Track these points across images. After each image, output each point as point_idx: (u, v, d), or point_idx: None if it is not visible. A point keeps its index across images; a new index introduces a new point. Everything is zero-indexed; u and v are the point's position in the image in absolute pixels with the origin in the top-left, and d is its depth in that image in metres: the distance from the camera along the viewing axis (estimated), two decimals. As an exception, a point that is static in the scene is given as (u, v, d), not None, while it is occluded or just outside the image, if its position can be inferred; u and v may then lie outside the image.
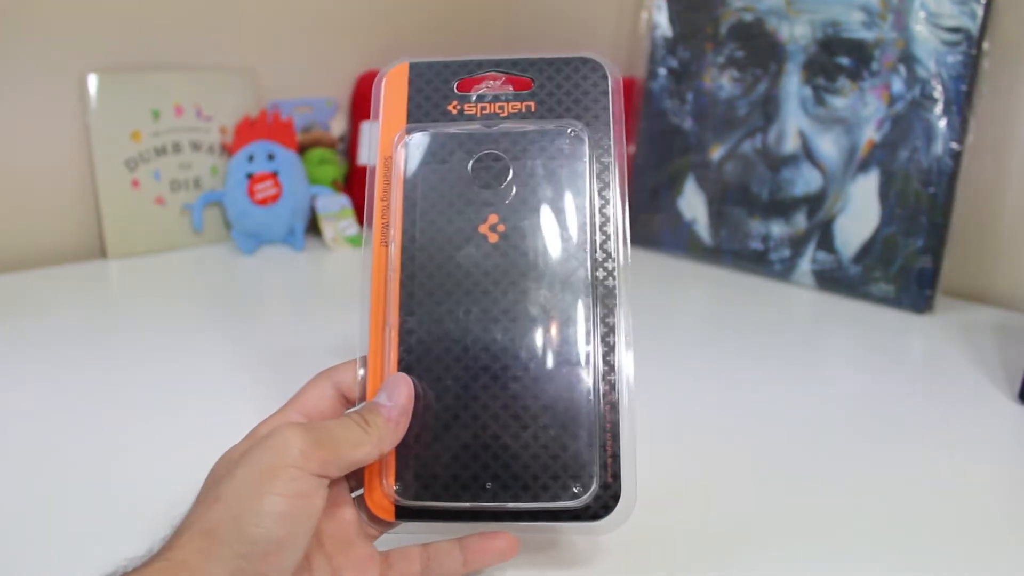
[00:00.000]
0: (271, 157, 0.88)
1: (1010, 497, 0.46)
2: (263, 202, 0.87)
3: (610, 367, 0.37)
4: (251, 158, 0.87)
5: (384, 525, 0.36)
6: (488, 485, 0.35)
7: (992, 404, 0.57)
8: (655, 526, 0.42)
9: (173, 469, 0.45)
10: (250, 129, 0.88)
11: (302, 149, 0.94)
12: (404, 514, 0.36)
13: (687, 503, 0.44)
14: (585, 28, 1.05)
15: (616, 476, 0.36)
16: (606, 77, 0.39)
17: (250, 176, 0.87)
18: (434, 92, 0.39)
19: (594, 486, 0.35)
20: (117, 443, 0.49)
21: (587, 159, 0.38)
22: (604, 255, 0.37)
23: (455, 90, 0.39)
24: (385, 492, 0.35)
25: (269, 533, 0.29)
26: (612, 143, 0.38)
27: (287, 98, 0.96)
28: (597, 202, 0.38)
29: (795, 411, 0.55)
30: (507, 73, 0.39)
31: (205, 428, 0.51)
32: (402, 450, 0.35)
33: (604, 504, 0.35)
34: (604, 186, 0.38)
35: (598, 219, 0.38)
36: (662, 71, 0.90)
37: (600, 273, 0.37)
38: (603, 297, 0.37)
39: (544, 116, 0.38)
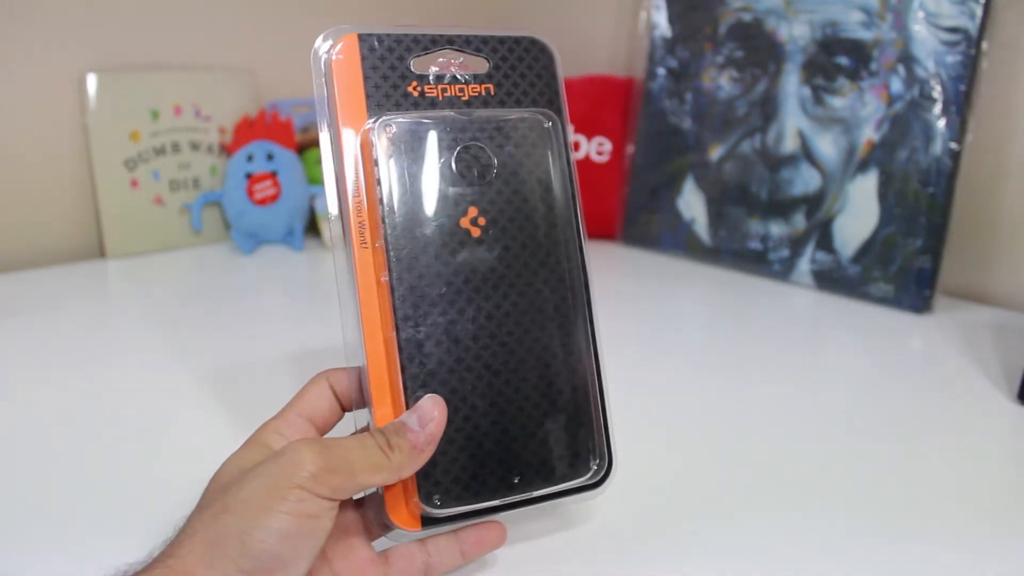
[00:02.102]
0: (270, 157, 0.88)
1: (1009, 497, 0.46)
2: (262, 202, 0.87)
3: (595, 344, 0.38)
4: (250, 158, 0.87)
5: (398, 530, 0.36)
6: (517, 479, 0.36)
7: (991, 404, 0.57)
8: (655, 523, 0.42)
9: (172, 469, 0.46)
10: (249, 129, 0.88)
11: (301, 149, 0.94)
12: (431, 522, 0.35)
13: (686, 501, 0.44)
14: (584, 28, 1.06)
15: (608, 446, 0.38)
16: (553, 59, 0.39)
17: (249, 176, 0.87)
18: (390, 71, 0.37)
19: (603, 460, 0.37)
20: (116, 443, 0.49)
21: (558, 148, 0.38)
22: (578, 240, 0.38)
23: (412, 69, 0.37)
24: (411, 507, 0.35)
25: (274, 550, 0.29)
26: (564, 127, 0.39)
27: (286, 98, 0.96)
28: (568, 189, 0.38)
29: (794, 410, 0.55)
30: (462, 51, 0.38)
31: (204, 429, 0.51)
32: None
33: (603, 474, 0.38)
34: (570, 172, 0.38)
35: (571, 205, 0.38)
36: (661, 71, 0.90)
37: (577, 257, 0.38)
38: (583, 280, 0.38)
39: (503, 99, 0.38)
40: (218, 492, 0.31)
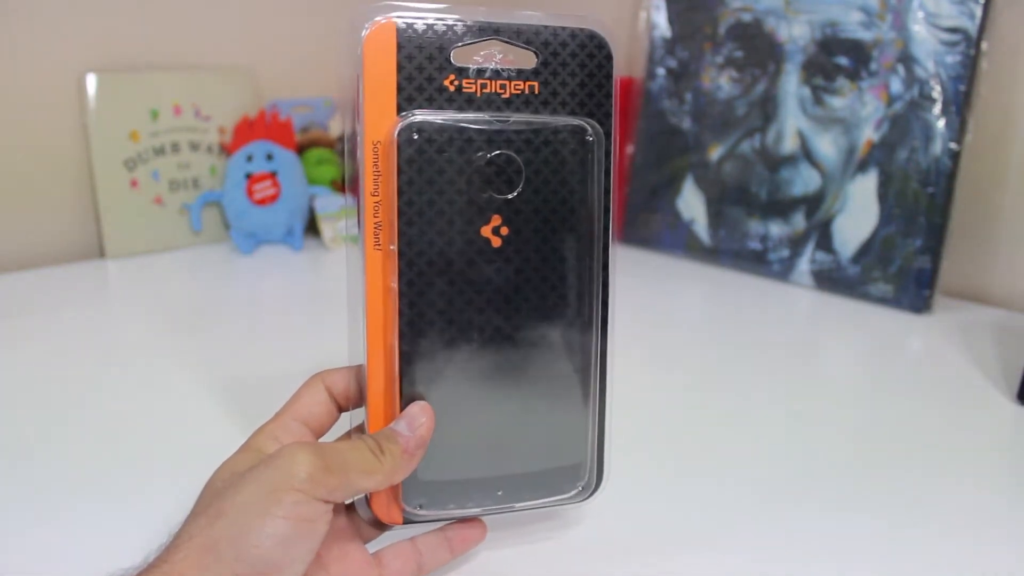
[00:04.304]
0: (270, 157, 0.88)
1: (1009, 497, 0.46)
2: (262, 202, 0.87)
3: (603, 362, 0.37)
4: (250, 158, 0.87)
5: (386, 528, 0.37)
6: (500, 492, 0.36)
7: (990, 404, 0.57)
8: (653, 525, 0.42)
9: (170, 471, 0.45)
10: (249, 129, 0.88)
11: (301, 149, 0.94)
12: (412, 520, 0.36)
13: (685, 501, 0.44)
14: (584, 28, 1.05)
15: (601, 460, 0.38)
16: (610, 58, 0.36)
17: (249, 176, 0.87)
18: (427, 61, 0.34)
19: (591, 477, 0.38)
20: (115, 443, 0.49)
21: (596, 160, 0.36)
22: (605, 256, 0.37)
23: (452, 60, 0.34)
24: (397, 506, 0.35)
25: (269, 555, 0.29)
26: (612, 133, 0.36)
27: (286, 98, 0.96)
28: (601, 202, 0.36)
29: (793, 411, 0.55)
30: (510, 43, 0.35)
31: (205, 429, 0.51)
32: None
33: (593, 487, 0.38)
34: (606, 184, 0.36)
35: (601, 219, 0.36)
36: (661, 71, 0.90)
37: (602, 274, 0.37)
38: (603, 296, 0.37)
39: (547, 100, 0.35)
40: (213, 497, 0.31)
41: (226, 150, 0.91)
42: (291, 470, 0.30)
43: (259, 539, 0.29)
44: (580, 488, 0.37)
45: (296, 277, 0.83)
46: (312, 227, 0.93)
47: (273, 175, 0.88)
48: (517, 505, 0.37)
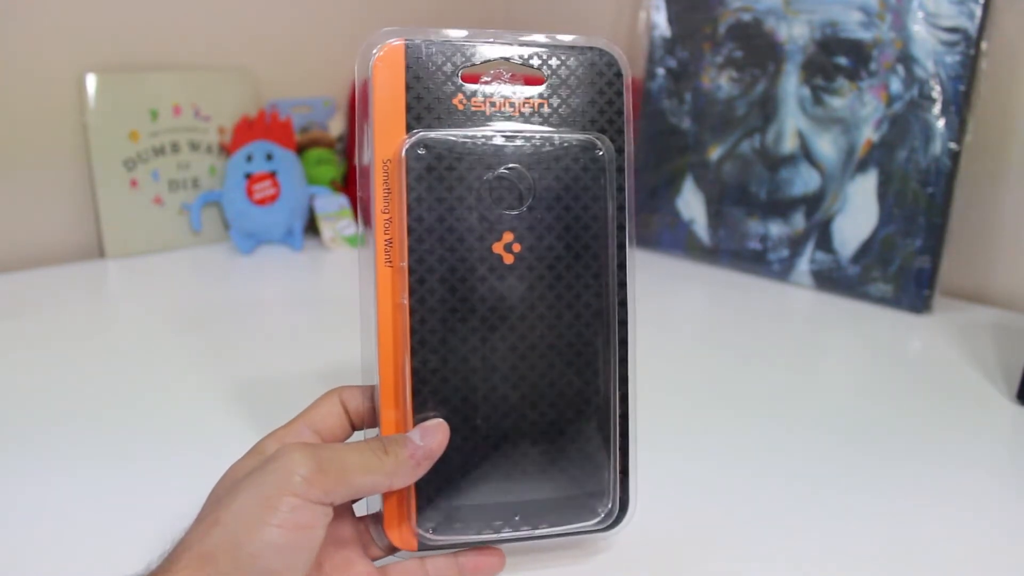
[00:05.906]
0: (269, 157, 0.88)
1: (1008, 498, 0.46)
2: (261, 202, 0.87)
3: (624, 385, 0.37)
4: (249, 158, 0.87)
5: (397, 551, 0.36)
6: (517, 517, 0.35)
7: (990, 404, 0.57)
8: (655, 526, 0.42)
9: (170, 473, 0.45)
10: (248, 129, 0.88)
11: (300, 149, 0.94)
12: (427, 546, 0.35)
13: (684, 502, 0.44)
14: (583, 28, 1.05)
15: (625, 488, 0.37)
16: (620, 74, 0.36)
17: (248, 176, 0.87)
18: (436, 82, 0.34)
19: (613, 504, 0.37)
20: (114, 443, 0.49)
21: (608, 174, 0.36)
22: (621, 273, 0.36)
23: (459, 80, 0.35)
24: (411, 529, 0.35)
25: (267, 564, 0.29)
26: (625, 148, 0.36)
27: (285, 98, 0.96)
28: (615, 218, 0.36)
29: (793, 412, 0.55)
30: (517, 63, 0.35)
31: (203, 431, 0.51)
32: (424, 487, 0.34)
33: (617, 516, 0.37)
34: (620, 200, 0.36)
35: (615, 236, 0.36)
36: (660, 71, 0.90)
37: (618, 292, 0.36)
38: (619, 315, 0.37)
39: (556, 116, 0.35)
40: (213, 504, 0.31)
41: (226, 150, 0.91)
42: (287, 474, 0.30)
43: (256, 549, 0.29)
44: (602, 516, 0.36)
45: (296, 277, 0.83)
46: (312, 227, 0.93)
47: (273, 175, 0.88)
48: (536, 532, 0.36)
